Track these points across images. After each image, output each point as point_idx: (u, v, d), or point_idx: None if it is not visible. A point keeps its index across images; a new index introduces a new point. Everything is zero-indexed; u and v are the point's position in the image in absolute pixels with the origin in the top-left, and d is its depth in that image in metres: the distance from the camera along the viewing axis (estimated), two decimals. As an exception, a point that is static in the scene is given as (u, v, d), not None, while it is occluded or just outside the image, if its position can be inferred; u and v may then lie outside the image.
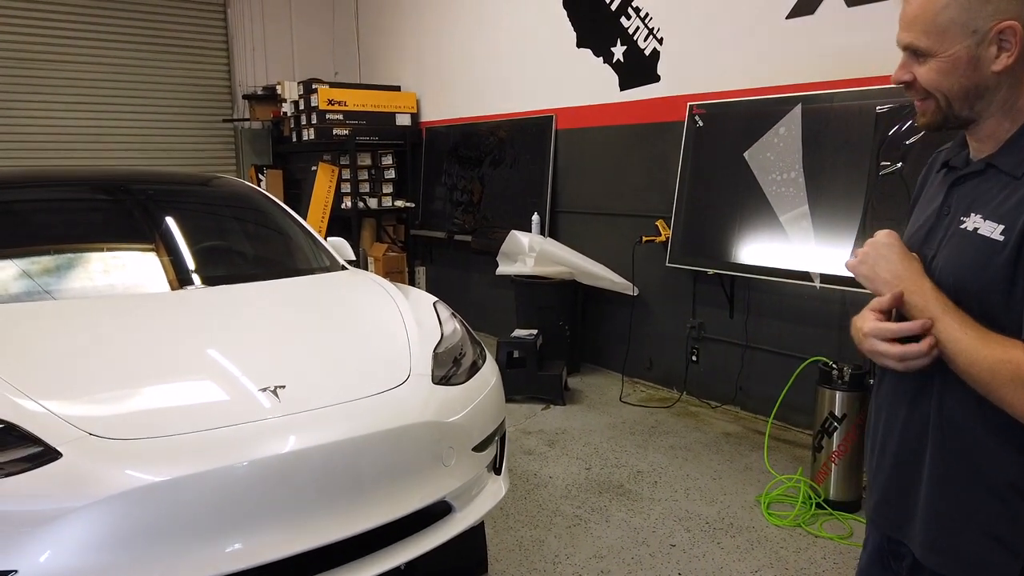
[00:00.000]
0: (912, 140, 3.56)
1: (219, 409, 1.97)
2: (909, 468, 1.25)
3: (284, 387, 2.02)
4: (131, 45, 7.03)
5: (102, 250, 2.99)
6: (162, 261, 2.93)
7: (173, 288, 2.78)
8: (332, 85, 6.87)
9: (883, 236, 1.25)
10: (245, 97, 7.59)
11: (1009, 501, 1.14)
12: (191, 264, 2.97)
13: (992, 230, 1.13)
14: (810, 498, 3.35)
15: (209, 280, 2.88)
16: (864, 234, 3.72)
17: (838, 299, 4.00)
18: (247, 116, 7.62)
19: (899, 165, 3.60)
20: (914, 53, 1.20)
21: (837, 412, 3.30)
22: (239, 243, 3.46)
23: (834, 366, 3.37)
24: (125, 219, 3.21)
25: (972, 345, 1.10)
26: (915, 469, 1.24)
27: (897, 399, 1.28)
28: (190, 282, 2.85)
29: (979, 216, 1.16)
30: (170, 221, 3.18)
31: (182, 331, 2.38)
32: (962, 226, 1.19)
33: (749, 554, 2.99)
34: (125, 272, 2.89)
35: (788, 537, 3.13)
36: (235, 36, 7.54)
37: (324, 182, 6.89)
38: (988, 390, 1.10)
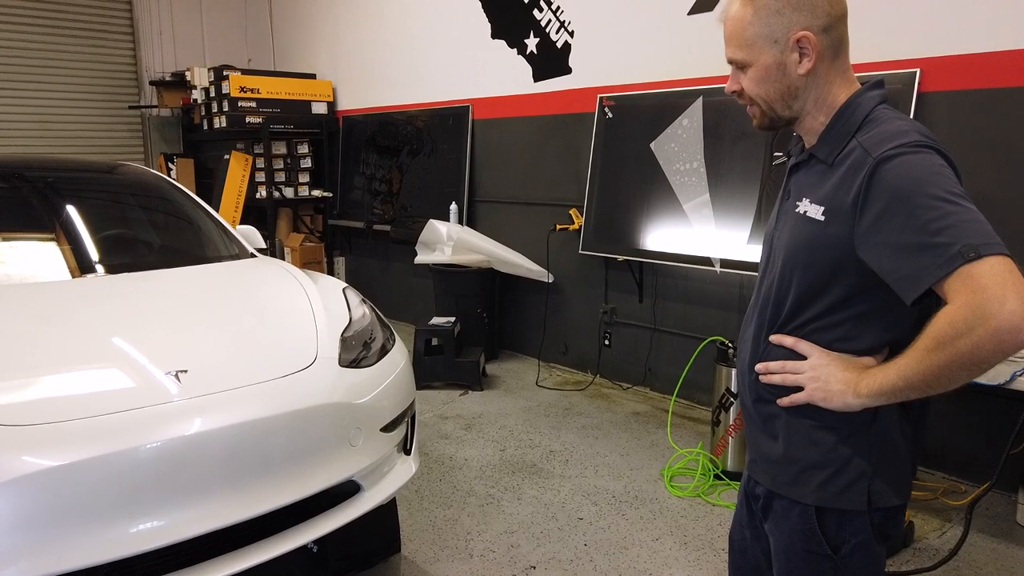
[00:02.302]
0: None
1: (121, 394, 1.97)
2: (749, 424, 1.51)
3: (186, 371, 2.03)
4: (29, 27, 6.72)
5: (-3, 239, 2.90)
6: (63, 249, 2.87)
7: (75, 276, 2.73)
8: (245, 72, 6.73)
9: (816, 358, 1.32)
10: (152, 83, 7.36)
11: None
12: (93, 252, 2.92)
13: (816, 212, 1.31)
14: (709, 470, 3.55)
15: (112, 268, 2.84)
16: (759, 220, 3.95)
17: (736, 282, 4.23)
18: (155, 103, 7.39)
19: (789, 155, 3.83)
20: (738, 66, 1.37)
21: (733, 388, 3.51)
22: (144, 232, 3.40)
23: (730, 345, 3.58)
24: (23, 207, 3.11)
25: (923, 368, 1.17)
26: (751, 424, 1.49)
27: (740, 378, 1.51)
28: (92, 270, 2.80)
29: (807, 200, 1.34)
30: (71, 209, 3.11)
31: (83, 318, 2.35)
32: (796, 209, 1.36)
33: (651, 524, 3.16)
34: (24, 260, 2.81)
35: (688, 507, 3.31)
36: (140, 19, 7.29)
37: (237, 171, 6.76)
38: (953, 380, 1.17)
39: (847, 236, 1.25)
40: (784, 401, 1.36)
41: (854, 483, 1.32)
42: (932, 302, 1.20)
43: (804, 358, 1.34)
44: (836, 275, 1.29)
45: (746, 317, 1.52)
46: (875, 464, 1.33)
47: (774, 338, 1.39)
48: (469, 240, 5.42)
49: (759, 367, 1.40)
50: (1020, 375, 2.67)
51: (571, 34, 5.01)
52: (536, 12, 5.18)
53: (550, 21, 5.11)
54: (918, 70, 3.44)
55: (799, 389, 1.34)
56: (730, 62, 1.38)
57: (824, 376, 1.30)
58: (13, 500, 1.67)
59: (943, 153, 1.23)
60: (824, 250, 1.29)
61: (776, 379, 1.37)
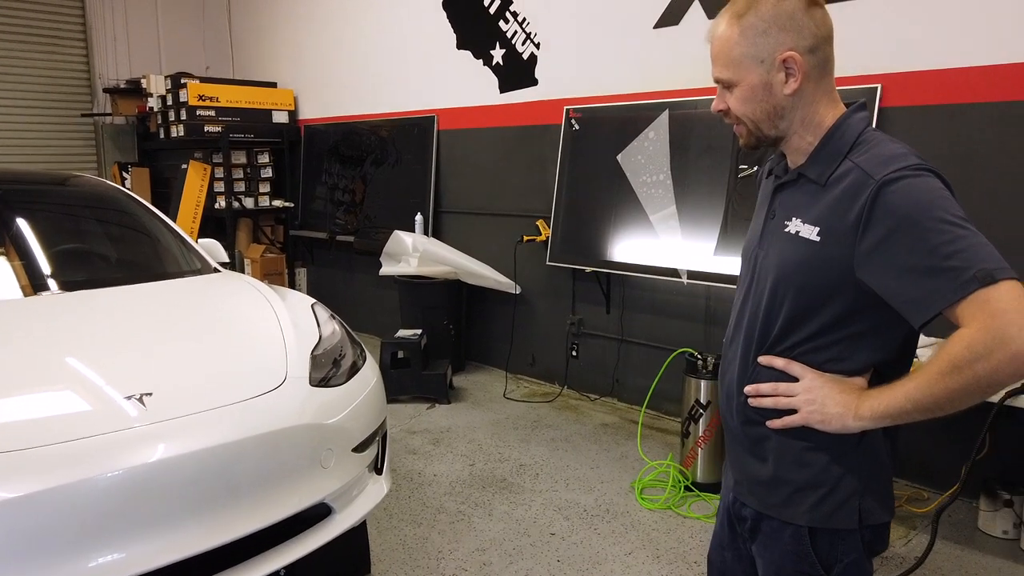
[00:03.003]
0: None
1: (79, 419, 1.88)
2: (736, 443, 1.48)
3: (151, 394, 1.95)
4: (-26, 31, 6.48)
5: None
6: (13, 265, 2.74)
7: (26, 294, 2.61)
8: (203, 80, 6.59)
9: (809, 380, 1.31)
10: (106, 91, 7.15)
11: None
12: (46, 268, 2.80)
13: (810, 232, 1.30)
14: (679, 482, 3.55)
15: (67, 285, 2.72)
16: (726, 232, 3.98)
17: (703, 294, 4.26)
18: (109, 111, 7.18)
19: (755, 168, 3.88)
20: (724, 85, 1.37)
21: (702, 399, 3.52)
22: (100, 246, 3.28)
23: (699, 356, 3.59)
24: (-31, 221, 2.98)
25: (936, 391, 1.18)
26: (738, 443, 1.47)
27: (725, 399, 1.49)
28: (46, 287, 2.68)
29: (799, 220, 1.33)
30: (22, 223, 2.98)
31: (37, 339, 2.25)
32: (786, 229, 1.35)
33: (623, 538, 3.15)
34: (-30, 278, 2.69)
35: (659, 519, 3.31)
36: (93, 24, 7.09)
37: (195, 181, 6.60)
38: (964, 403, 1.18)
39: (845, 257, 1.24)
40: (776, 424, 1.35)
41: (846, 502, 1.33)
42: (911, 327, 1.21)
43: (795, 379, 1.33)
44: (831, 296, 1.29)
45: (727, 336, 1.50)
46: (865, 482, 1.33)
47: (764, 359, 1.37)
48: (435, 251, 5.37)
49: (749, 389, 1.39)
50: (983, 385, 2.73)
51: (537, 46, 5.00)
52: (502, 23, 5.17)
53: (516, 32, 5.10)
54: (879, 85, 3.51)
55: (790, 411, 1.33)
56: (717, 81, 1.38)
57: (820, 399, 1.29)
58: (-36, 535, 1.58)
59: (942, 177, 1.24)
60: (820, 271, 1.28)
61: (768, 402, 1.36)
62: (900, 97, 3.49)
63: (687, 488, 3.54)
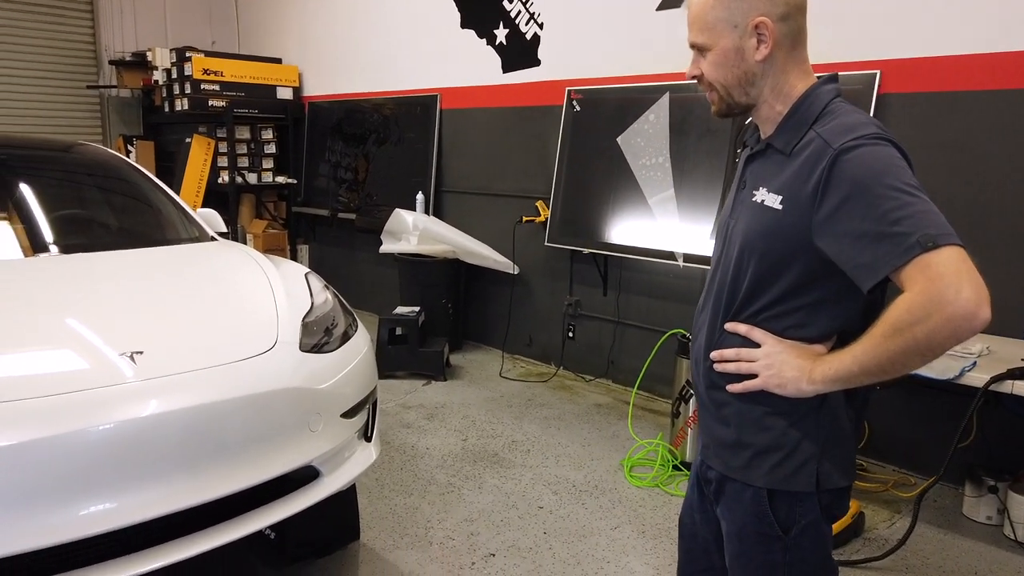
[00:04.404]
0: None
1: (72, 374, 1.92)
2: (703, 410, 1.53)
3: (142, 352, 1.99)
4: (-18, 0, 6.50)
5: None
6: (15, 227, 2.78)
7: (27, 255, 2.65)
8: (208, 54, 6.60)
9: (769, 346, 1.35)
10: (112, 63, 7.17)
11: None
12: (47, 231, 2.84)
13: (774, 200, 1.33)
14: (668, 460, 3.59)
15: (66, 247, 2.77)
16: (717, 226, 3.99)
17: (698, 276, 4.28)
18: (115, 83, 7.21)
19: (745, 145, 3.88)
20: (699, 50, 1.39)
21: (692, 379, 3.55)
22: (101, 212, 3.32)
23: (690, 338, 3.61)
24: (-28, 184, 3.02)
25: (879, 353, 1.21)
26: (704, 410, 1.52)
27: (694, 365, 1.54)
28: (46, 249, 2.72)
29: (764, 189, 1.36)
30: (25, 187, 3.02)
31: (34, 297, 2.29)
32: (753, 198, 1.39)
33: (610, 512, 3.19)
34: (-29, 238, 2.73)
35: (647, 496, 3.35)
36: (101, -3, 7.10)
37: (199, 155, 6.63)
38: (907, 366, 1.21)
39: (804, 225, 1.27)
40: (736, 388, 1.39)
41: (803, 466, 1.36)
42: (879, 294, 1.23)
43: (758, 346, 1.37)
44: (791, 263, 1.32)
45: (699, 304, 1.54)
46: (823, 447, 1.36)
47: (728, 326, 1.41)
48: (435, 230, 5.40)
49: (714, 355, 1.43)
50: (968, 370, 2.75)
51: (541, 26, 5.00)
52: (506, 3, 5.17)
53: (520, 12, 5.10)
54: (878, 72, 3.51)
55: (752, 376, 1.37)
56: (692, 46, 1.40)
57: (778, 363, 1.33)
58: (-43, 481, 1.62)
59: (898, 147, 1.26)
60: (780, 238, 1.32)
61: (731, 367, 1.39)
62: (899, 84, 3.49)
63: (675, 467, 3.57)
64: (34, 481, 1.70)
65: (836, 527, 2.83)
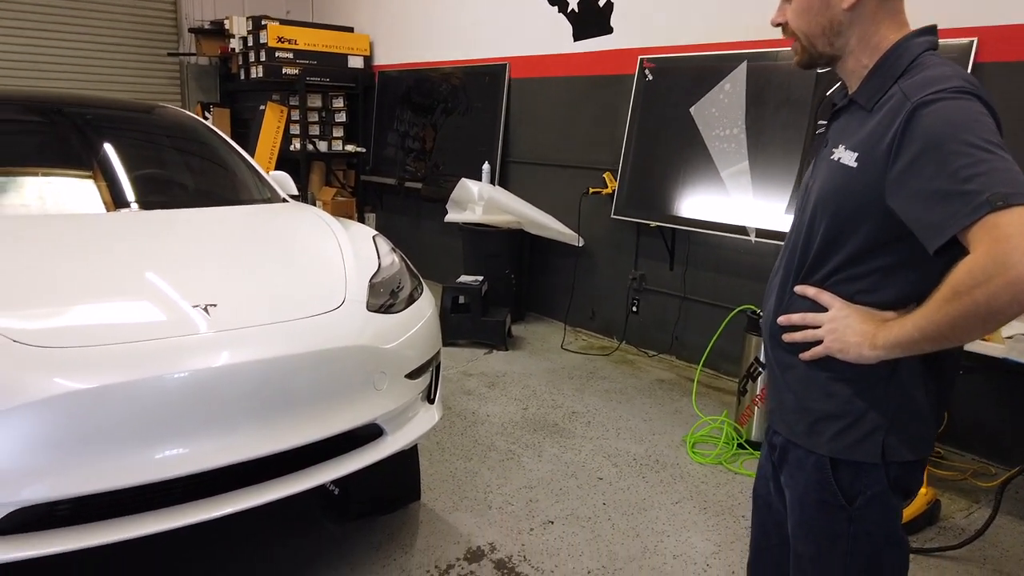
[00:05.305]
0: (848, 100, 3.68)
1: (150, 323, 1.98)
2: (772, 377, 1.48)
3: (216, 305, 2.04)
4: (71, -31, 6.73)
5: (36, 170, 2.92)
6: (98, 184, 2.88)
7: (109, 210, 2.75)
8: (283, 22, 6.69)
9: (836, 310, 1.30)
10: (191, 31, 7.35)
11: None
12: (128, 188, 2.93)
13: (850, 158, 1.26)
14: (732, 439, 3.52)
15: (146, 204, 2.85)
16: (799, 190, 3.85)
17: (771, 252, 4.14)
18: (194, 51, 7.39)
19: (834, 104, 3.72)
20: None
21: (762, 358, 3.45)
22: (179, 171, 3.41)
23: (761, 314, 3.51)
24: (62, 141, 3.13)
25: (938, 318, 1.14)
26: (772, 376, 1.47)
27: (764, 327, 1.48)
28: (126, 205, 2.81)
29: (842, 147, 1.29)
30: (108, 145, 3.12)
31: (116, 251, 2.37)
32: (832, 157, 1.31)
33: (671, 488, 3.15)
34: (60, 193, 2.84)
35: (709, 473, 3.29)
36: (182, -34, 7.27)
37: (272, 122, 6.76)
38: (968, 332, 1.15)
39: (878, 184, 1.21)
40: (805, 355, 1.34)
41: (869, 436, 1.30)
42: (958, 255, 1.15)
43: (826, 310, 1.31)
44: (861, 225, 1.25)
45: (775, 266, 1.49)
46: (892, 418, 1.30)
47: (798, 289, 1.36)
48: (500, 200, 5.38)
49: (782, 319, 1.38)
50: (1063, 356, 2.59)
51: (614, -8, 4.88)
52: (580, -32, 5.06)
53: (594, -22, 4.98)
54: (975, 39, 3.30)
55: (819, 342, 1.32)
56: None
57: (842, 328, 1.28)
58: (44, 419, 1.70)
59: (985, 101, 1.17)
60: (853, 198, 1.25)
61: (797, 336, 1.35)
62: (997, 52, 3.27)
63: (740, 445, 3.50)
64: (116, 424, 1.77)
65: (908, 514, 2.73)
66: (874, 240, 1.25)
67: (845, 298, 1.30)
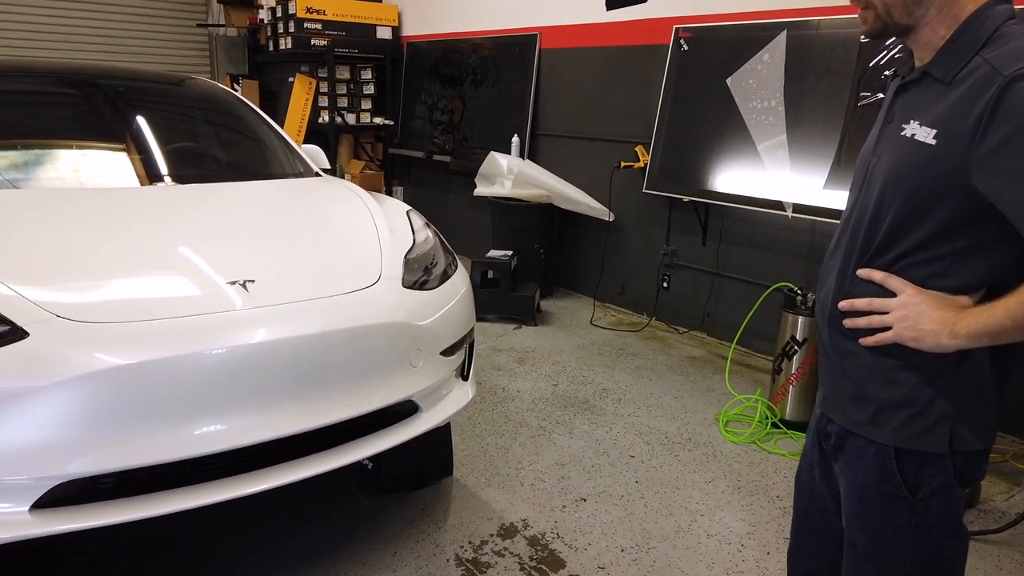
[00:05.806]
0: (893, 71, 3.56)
1: (188, 299, 1.98)
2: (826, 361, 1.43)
3: (253, 281, 2.03)
4: (99, -61, 6.72)
5: (71, 143, 2.93)
6: (132, 157, 2.88)
7: (143, 184, 2.75)
8: (311, -8, 6.63)
9: (907, 296, 1.24)
10: (220, 1, 7.32)
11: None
12: (162, 161, 2.93)
13: (926, 135, 1.20)
14: (767, 417, 3.47)
15: (180, 178, 2.85)
16: (839, 165, 3.75)
17: (808, 228, 4.06)
18: (222, 22, 7.37)
19: (879, 96, 3.61)
20: None
21: (799, 336, 3.40)
22: (211, 144, 3.41)
23: (798, 292, 3.45)
24: (94, 113, 3.13)
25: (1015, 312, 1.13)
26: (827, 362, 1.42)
27: (820, 310, 1.43)
28: (160, 179, 2.81)
29: (916, 123, 1.23)
30: (141, 118, 3.11)
31: (151, 225, 2.37)
32: (902, 133, 1.25)
33: (704, 466, 3.12)
34: (94, 166, 2.84)
35: (743, 452, 3.26)
36: (210, -65, 7.22)
37: (301, 94, 6.74)
38: None
39: (960, 162, 1.15)
40: (869, 341, 1.29)
41: (936, 425, 1.26)
42: None
43: (892, 295, 1.25)
44: (938, 205, 1.19)
45: (831, 246, 1.43)
46: (959, 407, 1.26)
47: (862, 272, 1.30)
48: (530, 174, 5.33)
49: (843, 304, 1.32)
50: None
51: (649, -41, 4.75)
52: (614, -65, 4.92)
53: (628, -55, 4.85)
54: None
55: (885, 329, 1.26)
56: None
57: (915, 315, 1.22)
58: (85, 394, 1.70)
59: None
60: (930, 177, 1.19)
61: (862, 322, 1.29)
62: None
63: (774, 425, 3.45)
64: (156, 399, 1.77)
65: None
66: (951, 222, 1.20)
67: (915, 283, 1.24)
